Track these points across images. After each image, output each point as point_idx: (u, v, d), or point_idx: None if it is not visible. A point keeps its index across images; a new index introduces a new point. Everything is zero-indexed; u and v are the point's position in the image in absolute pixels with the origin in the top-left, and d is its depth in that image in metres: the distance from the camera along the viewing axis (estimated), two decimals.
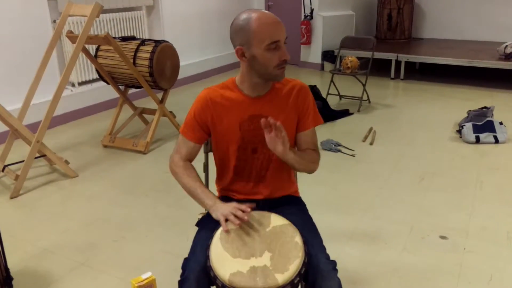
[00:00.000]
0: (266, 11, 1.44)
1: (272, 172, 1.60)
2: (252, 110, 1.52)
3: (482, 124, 3.88)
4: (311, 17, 6.86)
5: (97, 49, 3.87)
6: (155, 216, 2.75)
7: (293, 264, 1.26)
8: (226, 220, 1.38)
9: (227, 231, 1.36)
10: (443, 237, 2.45)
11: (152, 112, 4.05)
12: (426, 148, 3.77)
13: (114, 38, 3.67)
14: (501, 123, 3.92)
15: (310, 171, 1.59)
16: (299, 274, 1.26)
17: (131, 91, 4.45)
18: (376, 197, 2.94)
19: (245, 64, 1.47)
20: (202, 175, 1.63)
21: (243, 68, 1.51)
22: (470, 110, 4.27)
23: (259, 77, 1.48)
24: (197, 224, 1.60)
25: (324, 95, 4.92)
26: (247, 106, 1.52)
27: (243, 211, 1.37)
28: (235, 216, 1.36)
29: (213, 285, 1.31)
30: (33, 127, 3.57)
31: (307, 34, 6.89)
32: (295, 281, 1.25)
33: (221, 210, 1.40)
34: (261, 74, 1.46)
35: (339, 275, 1.37)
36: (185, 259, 1.41)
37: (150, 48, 3.68)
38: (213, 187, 1.70)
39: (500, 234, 2.47)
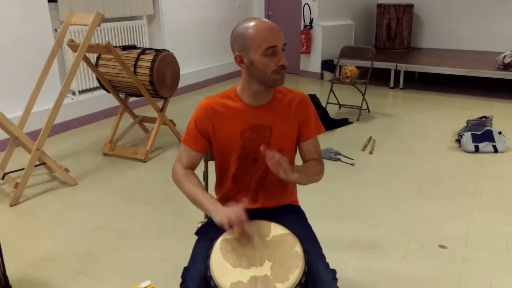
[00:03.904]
0: (265, 19, 1.46)
1: (272, 182, 1.60)
2: (253, 119, 1.53)
3: (481, 134, 3.90)
4: (311, 27, 6.91)
5: (98, 58, 3.89)
6: (154, 224, 2.75)
7: (294, 274, 1.27)
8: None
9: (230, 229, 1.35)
10: (442, 247, 2.45)
11: (152, 120, 4.07)
12: (425, 157, 3.78)
13: (115, 47, 3.69)
14: (500, 133, 3.94)
15: (315, 182, 1.60)
16: (299, 283, 1.26)
17: (131, 99, 4.48)
18: (375, 206, 2.94)
19: (245, 71, 1.48)
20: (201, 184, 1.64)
21: (243, 76, 1.51)
22: (469, 120, 4.29)
23: (259, 83, 1.48)
24: (197, 233, 1.61)
25: (323, 104, 4.94)
26: (248, 115, 1.53)
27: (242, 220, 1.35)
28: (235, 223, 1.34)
29: None
30: (33, 135, 3.58)
31: (306, 43, 6.93)
32: None
33: (223, 213, 1.36)
34: (260, 80, 1.46)
35: (339, 283, 1.37)
36: (185, 268, 1.41)
37: (150, 57, 3.70)
38: (212, 195, 1.70)
39: (499, 243, 2.47)
